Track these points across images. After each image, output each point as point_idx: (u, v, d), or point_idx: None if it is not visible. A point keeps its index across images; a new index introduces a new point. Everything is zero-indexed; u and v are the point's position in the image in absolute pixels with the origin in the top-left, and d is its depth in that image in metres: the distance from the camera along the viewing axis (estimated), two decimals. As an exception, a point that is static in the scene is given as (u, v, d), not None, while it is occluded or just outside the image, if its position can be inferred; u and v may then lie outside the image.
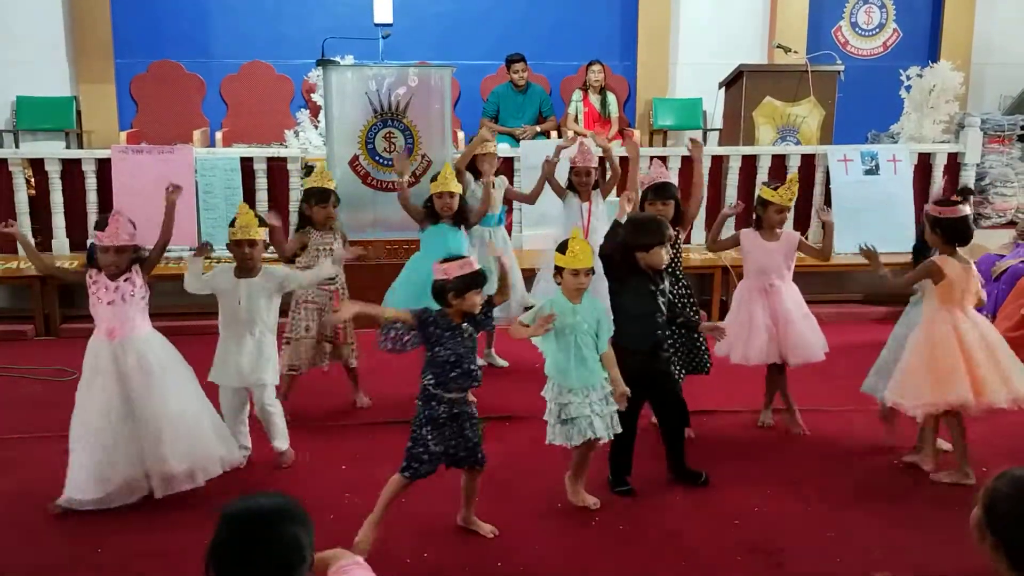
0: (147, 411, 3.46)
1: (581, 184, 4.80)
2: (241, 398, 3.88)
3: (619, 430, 3.45)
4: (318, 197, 4.38)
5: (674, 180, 4.94)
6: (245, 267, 3.80)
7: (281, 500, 1.75)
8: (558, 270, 3.35)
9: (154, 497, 3.46)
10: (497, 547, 3.22)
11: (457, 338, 3.07)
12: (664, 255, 3.52)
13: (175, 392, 3.55)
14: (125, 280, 3.50)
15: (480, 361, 4.72)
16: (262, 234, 3.80)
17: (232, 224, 3.80)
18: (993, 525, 1.89)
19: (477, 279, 3.05)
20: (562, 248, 3.32)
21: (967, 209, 3.77)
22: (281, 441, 3.93)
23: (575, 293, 3.34)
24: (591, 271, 3.33)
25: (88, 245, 3.58)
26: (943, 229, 3.72)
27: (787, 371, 4.32)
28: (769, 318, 4.18)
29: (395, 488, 3.12)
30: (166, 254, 6.00)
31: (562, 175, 4.95)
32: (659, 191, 4.10)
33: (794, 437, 4.28)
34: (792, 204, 4.21)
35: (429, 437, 3.09)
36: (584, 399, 3.35)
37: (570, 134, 7.51)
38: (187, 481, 3.50)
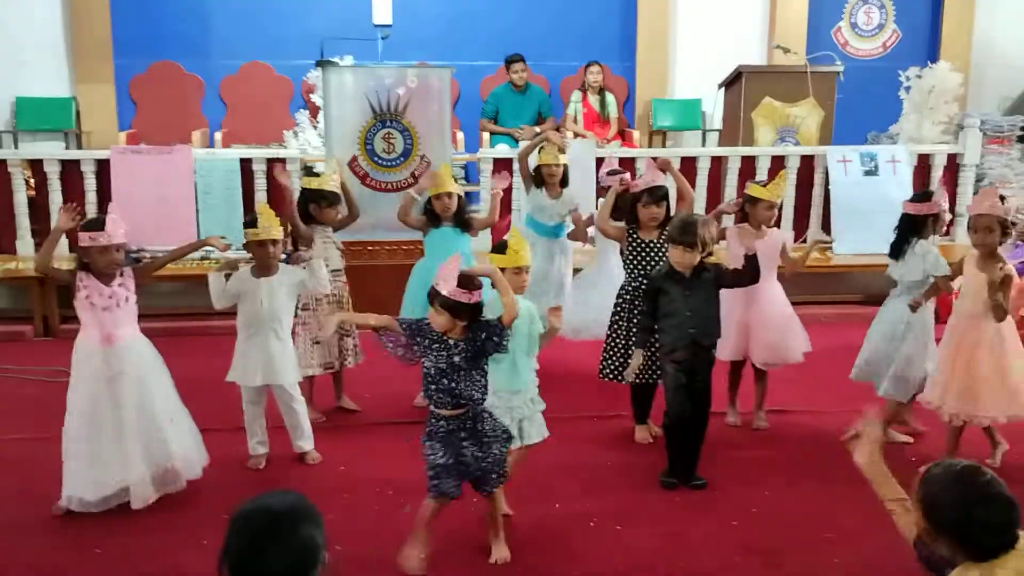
0: (139, 416, 3.45)
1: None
2: (262, 396, 3.90)
3: (546, 434, 3.42)
4: (330, 201, 4.37)
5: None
6: (265, 266, 3.81)
7: (292, 499, 1.72)
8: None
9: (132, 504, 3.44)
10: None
11: (441, 352, 2.95)
12: (677, 255, 3.58)
13: (163, 396, 3.56)
14: (119, 285, 3.45)
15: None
16: (281, 232, 3.81)
17: (252, 225, 3.77)
18: (943, 530, 1.93)
19: (430, 294, 2.92)
20: (501, 248, 3.26)
21: None
22: (306, 441, 3.96)
23: (516, 292, 3.23)
24: (529, 268, 3.31)
25: (77, 254, 3.48)
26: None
27: (777, 372, 4.34)
28: (745, 317, 4.23)
29: (428, 508, 3.04)
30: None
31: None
32: (652, 193, 4.13)
33: (791, 437, 4.29)
34: (780, 200, 4.23)
35: (431, 451, 3.01)
36: (506, 404, 3.32)
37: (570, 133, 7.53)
38: (171, 485, 3.53)
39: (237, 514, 1.69)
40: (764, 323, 4.24)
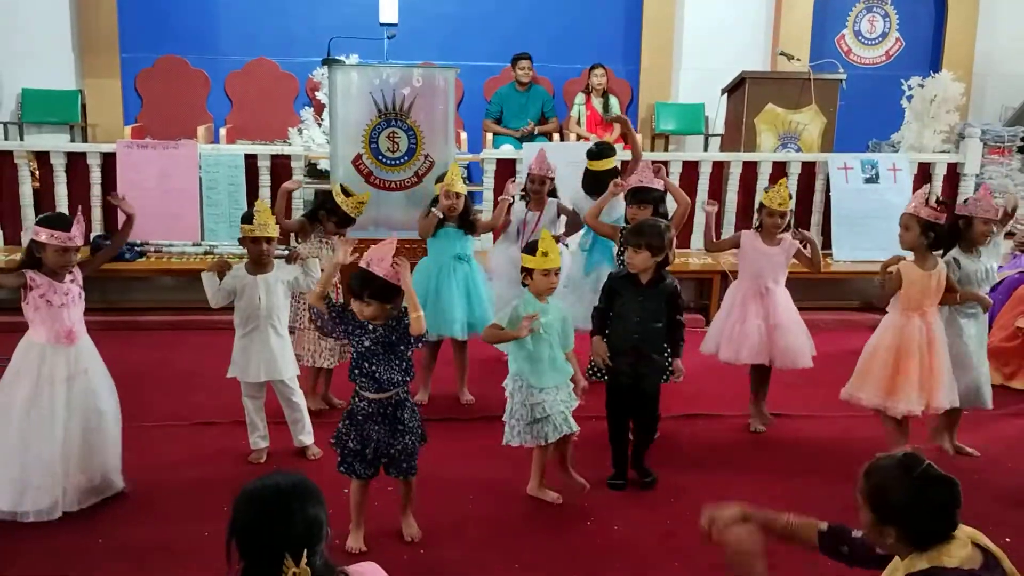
0: (88, 417, 3.40)
1: (534, 192, 4.82)
2: (262, 391, 3.95)
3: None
4: (340, 221, 4.41)
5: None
6: (260, 263, 3.85)
7: (297, 478, 1.80)
8: (527, 271, 3.38)
9: (65, 510, 3.35)
10: (492, 545, 3.26)
11: (361, 337, 3.05)
12: (628, 255, 3.62)
13: (109, 394, 3.52)
14: (71, 281, 3.38)
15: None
16: (277, 230, 3.86)
17: (248, 221, 3.82)
18: (888, 518, 2.01)
19: (352, 282, 3.02)
20: (531, 249, 3.34)
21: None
22: (307, 436, 4.00)
23: (544, 293, 3.38)
24: (559, 270, 3.40)
25: (28, 245, 3.36)
26: (937, 233, 3.86)
27: (774, 376, 4.38)
28: (762, 320, 4.24)
29: (353, 490, 3.19)
30: (168, 248, 6.15)
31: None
32: (636, 194, 4.15)
33: (788, 441, 4.33)
34: (783, 209, 4.22)
35: (344, 431, 3.13)
36: (555, 397, 3.42)
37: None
38: (105, 492, 3.47)
39: (245, 491, 1.77)
40: (781, 327, 4.27)
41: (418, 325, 3.02)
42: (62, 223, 3.30)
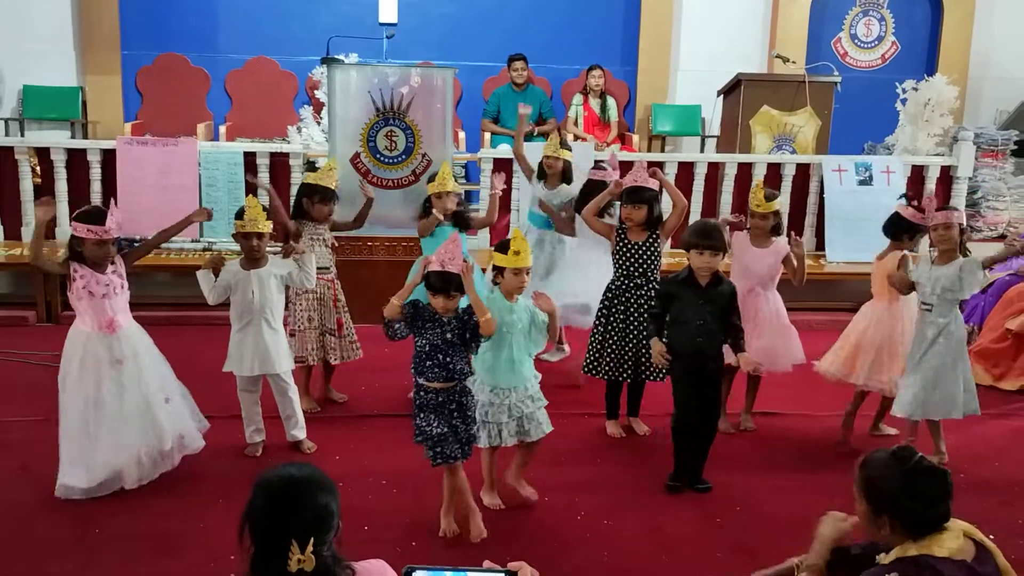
0: (138, 399, 3.55)
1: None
2: (257, 385, 4.00)
3: (548, 429, 3.50)
4: (322, 196, 4.43)
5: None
6: (252, 258, 3.89)
7: (311, 470, 1.87)
8: (498, 270, 3.38)
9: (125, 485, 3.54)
10: (483, 539, 3.29)
11: (436, 329, 3.15)
12: (701, 260, 3.62)
13: (157, 377, 3.68)
14: (113, 272, 3.53)
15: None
16: (269, 226, 3.89)
17: (240, 216, 3.87)
18: (883, 507, 2.09)
19: (433, 281, 3.11)
20: (503, 247, 3.35)
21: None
22: (300, 431, 4.05)
23: (514, 292, 3.38)
24: (530, 270, 3.40)
25: (69, 240, 3.52)
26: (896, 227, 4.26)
27: (768, 375, 4.43)
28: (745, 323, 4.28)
29: (446, 478, 3.26)
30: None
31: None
32: (631, 195, 4.18)
33: (779, 440, 4.37)
34: (761, 211, 4.28)
35: (424, 423, 3.19)
36: (503, 401, 3.40)
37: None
38: (165, 465, 3.65)
39: (261, 480, 1.83)
40: (758, 329, 4.31)
41: (489, 327, 3.15)
42: (98, 217, 3.44)
